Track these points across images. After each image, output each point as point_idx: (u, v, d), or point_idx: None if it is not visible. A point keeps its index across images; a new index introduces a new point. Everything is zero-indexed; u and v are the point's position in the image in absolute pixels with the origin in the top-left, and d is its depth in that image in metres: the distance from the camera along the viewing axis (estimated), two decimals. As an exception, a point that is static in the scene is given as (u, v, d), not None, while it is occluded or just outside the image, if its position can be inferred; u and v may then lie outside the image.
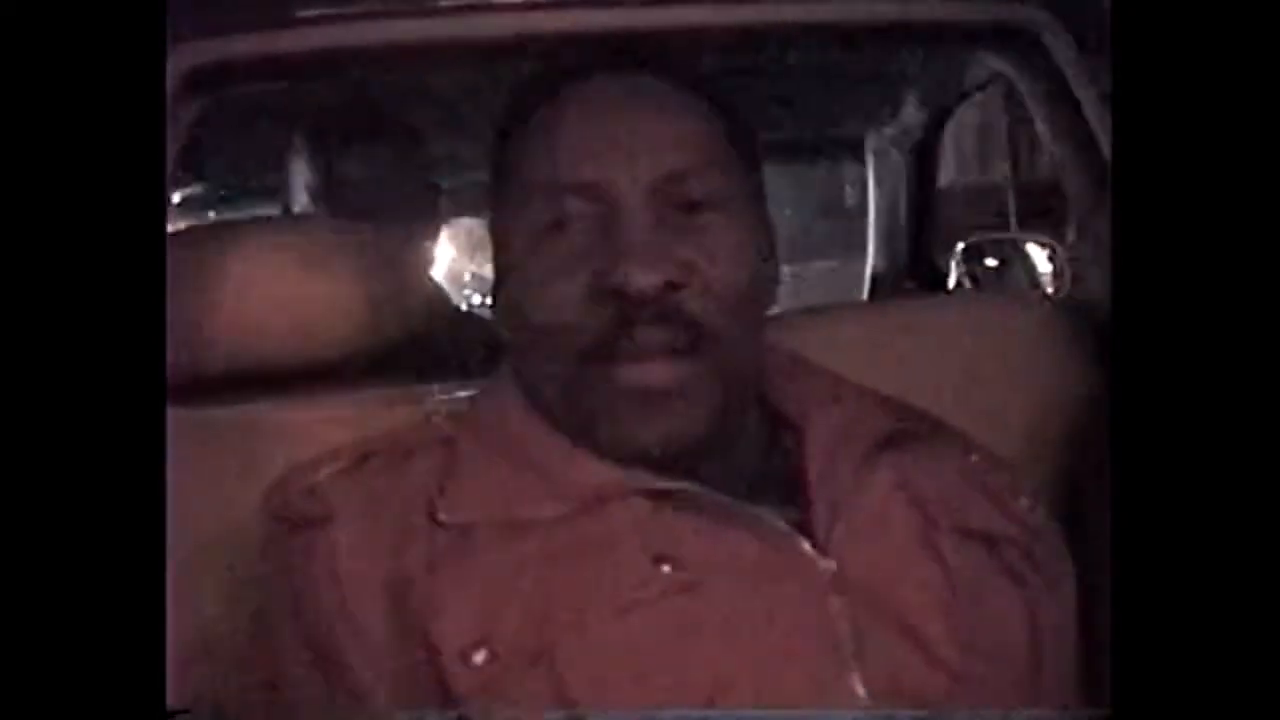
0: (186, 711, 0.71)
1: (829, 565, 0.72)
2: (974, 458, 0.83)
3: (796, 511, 0.75)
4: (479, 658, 0.68)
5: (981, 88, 1.86)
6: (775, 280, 0.83)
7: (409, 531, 0.73)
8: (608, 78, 0.79)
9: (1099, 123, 1.10)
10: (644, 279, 0.72)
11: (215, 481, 0.89)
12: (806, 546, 0.73)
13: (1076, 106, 1.11)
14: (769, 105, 1.68)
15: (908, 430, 0.81)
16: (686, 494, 0.73)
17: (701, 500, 0.73)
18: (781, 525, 0.73)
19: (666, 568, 0.71)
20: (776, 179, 1.19)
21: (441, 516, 0.73)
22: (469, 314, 1.70)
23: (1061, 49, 1.12)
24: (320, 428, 0.91)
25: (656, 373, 0.73)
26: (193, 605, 0.86)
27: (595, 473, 0.74)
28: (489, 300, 0.86)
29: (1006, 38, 1.16)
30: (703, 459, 0.75)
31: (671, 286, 0.73)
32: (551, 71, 0.81)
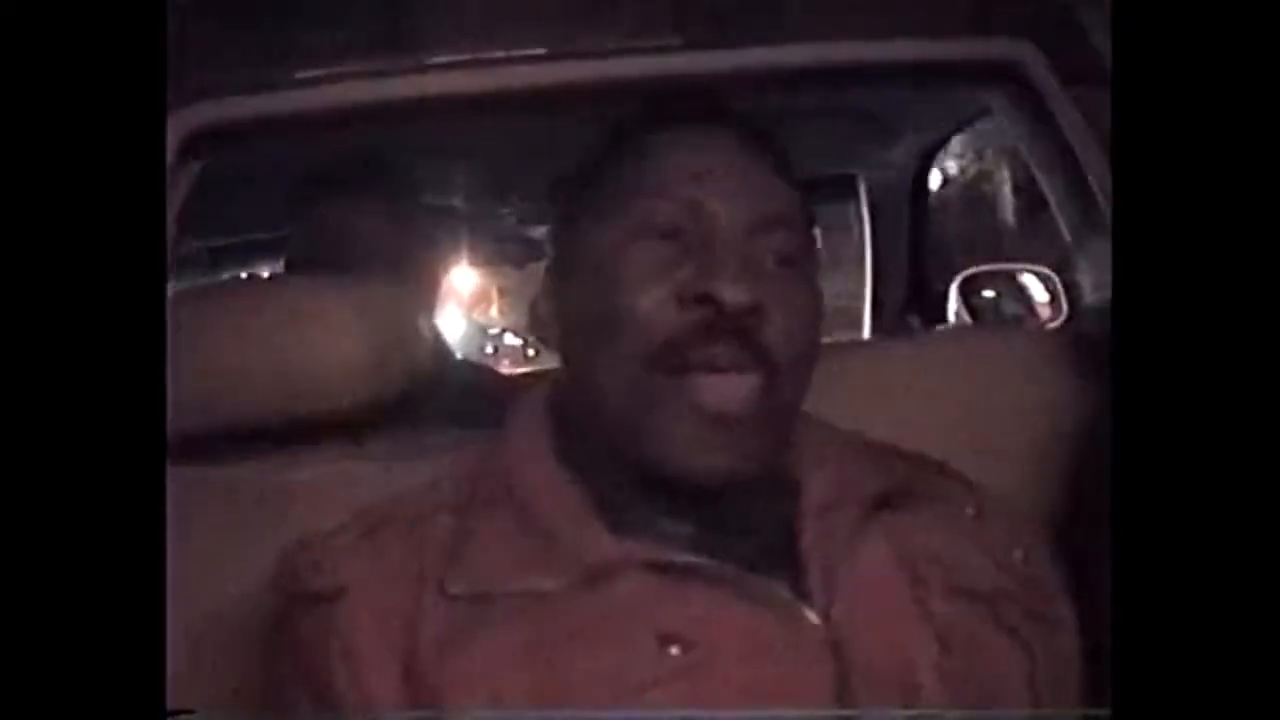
0: (187, 712, 0.71)
1: (829, 634, 0.73)
2: (969, 510, 0.83)
3: (792, 575, 0.75)
4: None
5: (971, 122, 1.88)
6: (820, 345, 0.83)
7: (420, 604, 0.73)
8: (696, 125, 0.80)
9: (1084, 152, 1.11)
10: (737, 293, 0.72)
11: (219, 540, 0.90)
12: (809, 615, 0.73)
13: (1062, 136, 1.13)
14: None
15: (900, 488, 0.81)
16: (694, 566, 0.73)
17: (708, 572, 0.73)
18: (786, 595, 0.73)
19: (674, 649, 0.70)
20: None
21: (451, 589, 0.73)
22: (470, 363, 1.70)
23: (1046, 81, 1.14)
24: (326, 484, 0.91)
25: (729, 388, 0.74)
26: (199, 661, 0.86)
27: (603, 543, 0.74)
28: (522, 320, 0.86)
29: (993, 72, 1.18)
30: (722, 502, 0.75)
31: (758, 312, 0.73)
32: (643, 115, 0.82)
